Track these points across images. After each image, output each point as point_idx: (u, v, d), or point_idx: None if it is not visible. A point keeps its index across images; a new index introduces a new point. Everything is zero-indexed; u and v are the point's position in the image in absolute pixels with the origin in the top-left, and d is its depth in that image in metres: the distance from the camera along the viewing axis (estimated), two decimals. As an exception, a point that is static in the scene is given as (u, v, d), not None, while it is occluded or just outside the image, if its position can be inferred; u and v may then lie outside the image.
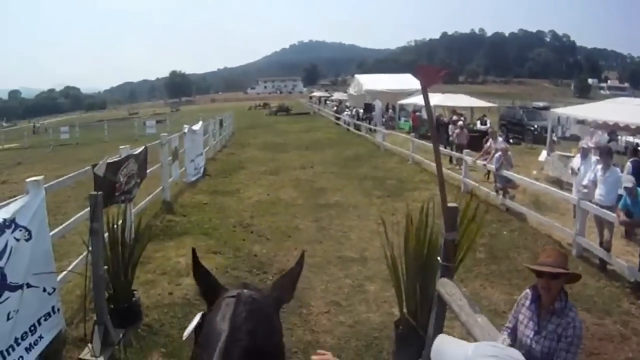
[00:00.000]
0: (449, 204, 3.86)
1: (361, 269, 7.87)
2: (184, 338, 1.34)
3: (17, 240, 4.37)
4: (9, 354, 4.34)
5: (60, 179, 6.00)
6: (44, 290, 4.96)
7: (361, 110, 36.40)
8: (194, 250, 1.49)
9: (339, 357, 5.26)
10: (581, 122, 17.41)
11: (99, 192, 5.02)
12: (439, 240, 4.03)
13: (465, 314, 3.34)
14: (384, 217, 9.18)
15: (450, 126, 20.98)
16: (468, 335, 3.33)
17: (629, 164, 10.68)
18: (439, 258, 4.06)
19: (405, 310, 5.06)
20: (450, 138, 19.84)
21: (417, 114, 28.58)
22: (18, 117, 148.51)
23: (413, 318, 4.91)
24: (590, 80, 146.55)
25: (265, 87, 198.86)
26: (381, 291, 6.82)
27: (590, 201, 8.59)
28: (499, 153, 11.98)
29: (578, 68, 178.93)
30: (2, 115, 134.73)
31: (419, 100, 28.91)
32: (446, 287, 3.80)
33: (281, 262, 8.03)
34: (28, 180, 4.91)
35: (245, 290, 1.30)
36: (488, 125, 22.95)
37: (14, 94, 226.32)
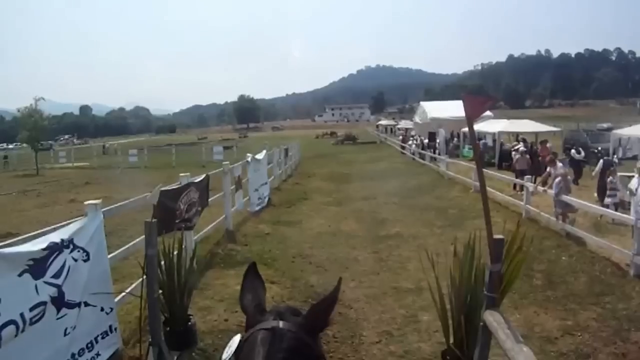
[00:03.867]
0: (495, 236, 3.81)
1: (416, 299, 7.79)
2: None
3: (75, 260, 4.57)
4: None
5: (119, 204, 6.23)
6: (102, 309, 5.15)
7: (426, 140, 36.13)
8: (254, 264, 1.54)
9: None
10: None
11: (154, 220, 5.19)
12: (485, 271, 3.97)
13: (511, 342, 3.26)
14: (443, 247, 9.16)
15: (512, 152, 20.60)
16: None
17: None
18: (484, 289, 4.01)
19: (452, 341, 4.98)
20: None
21: (482, 141, 28.11)
22: (89, 134, 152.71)
23: (459, 348, 4.83)
24: None
25: (332, 114, 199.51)
26: (434, 321, 6.65)
27: None
28: (559, 178, 11.82)
29: None
30: (73, 131, 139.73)
31: (483, 127, 28.58)
32: (494, 316, 3.74)
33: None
34: (87, 202, 5.14)
35: (280, 324, 1.30)
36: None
37: (85, 109, 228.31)
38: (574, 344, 6.21)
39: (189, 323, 6.06)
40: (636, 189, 10.11)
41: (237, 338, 1.37)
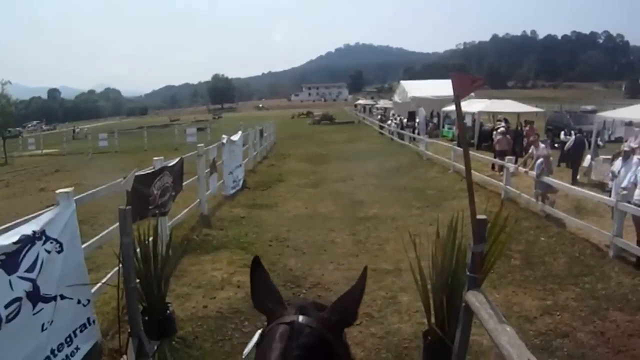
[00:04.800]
0: (478, 216, 3.79)
1: (395, 280, 7.82)
2: (243, 357, 1.27)
3: (48, 252, 4.43)
4: None
5: (91, 192, 6.06)
6: (79, 302, 5.04)
7: (405, 119, 36.00)
8: (257, 258, 1.47)
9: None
10: (628, 124, 16.95)
11: (128, 207, 5.06)
12: (468, 252, 3.95)
13: (494, 322, 3.24)
14: (421, 228, 9.18)
15: (493, 132, 20.65)
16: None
17: None
18: (466, 270, 4.00)
19: (433, 321, 4.98)
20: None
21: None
22: (57, 119, 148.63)
23: (441, 329, 4.83)
24: None
25: (309, 93, 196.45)
26: (414, 301, 6.68)
27: (629, 202, 8.50)
28: (541, 160, 11.88)
29: (630, 69, 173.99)
30: (41, 116, 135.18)
31: (463, 107, 28.51)
32: (477, 296, 3.73)
33: (315, 276, 8.00)
34: (58, 191, 4.98)
35: (301, 318, 1.23)
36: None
37: (53, 93, 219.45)
38: (552, 323, 6.26)
39: (168, 311, 5.96)
40: (618, 172, 10.26)
41: (257, 333, 1.29)
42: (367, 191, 15.41)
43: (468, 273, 3.93)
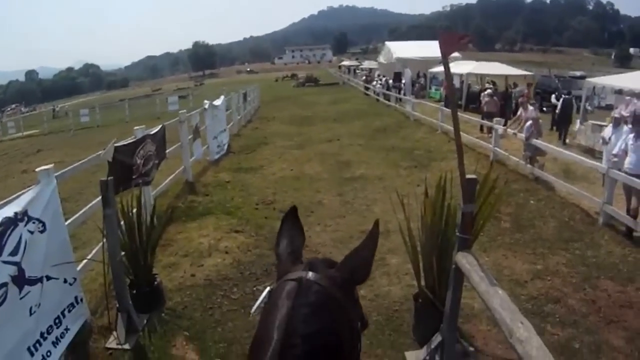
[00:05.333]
0: (468, 176, 3.74)
1: (383, 242, 7.69)
2: (251, 314, 1.26)
3: (31, 232, 4.29)
4: (36, 349, 4.33)
5: (72, 167, 5.89)
6: (65, 281, 4.93)
7: (391, 80, 35.43)
8: (294, 208, 1.44)
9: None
10: (618, 91, 16.93)
11: (109, 178, 4.94)
12: (457, 212, 3.90)
13: (486, 285, 3.21)
14: (409, 189, 9.12)
15: (481, 94, 20.49)
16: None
17: None
18: (456, 230, 3.96)
19: (423, 283, 4.95)
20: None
21: (449, 82, 27.78)
22: (37, 100, 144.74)
23: (431, 291, 4.82)
24: (632, 50, 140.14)
25: (293, 56, 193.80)
26: (403, 263, 6.67)
27: (619, 170, 8.38)
28: (530, 122, 11.78)
29: (620, 37, 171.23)
30: (20, 99, 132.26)
31: (451, 68, 28.29)
32: (467, 258, 3.69)
33: (303, 238, 7.92)
34: (38, 169, 4.82)
35: (310, 274, 1.18)
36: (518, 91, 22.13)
37: (30, 74, 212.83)
38: (544, 288, 6.24)
39: (155, 283, 5.93)
40: (609, 138, 10.19)
41: (266, 291, 1.27)
42: (353, 152, 15.33)
43: (458, 234, 3.92)
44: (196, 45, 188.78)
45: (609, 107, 20.25)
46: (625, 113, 11.48)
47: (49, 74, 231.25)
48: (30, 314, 4.27)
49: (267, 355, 1.03)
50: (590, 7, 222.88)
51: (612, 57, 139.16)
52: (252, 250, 7.61)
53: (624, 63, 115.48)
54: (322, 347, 1.08)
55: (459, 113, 13.50)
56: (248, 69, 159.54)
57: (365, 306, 5.81)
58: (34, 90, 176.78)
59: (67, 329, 4.87)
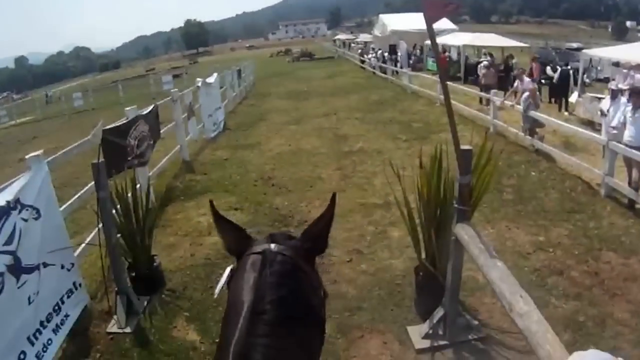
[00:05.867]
0: (463, 147, 3.67)
1: (385, 214, 7.72)
2: (215, 296, 1.29)
3: (25, 220, 4.22)
4: (36, 338, 4.29)
5: (62, 152, 5.77)
6: (63, 267, 4.89)
7: (386, 53, 34.96)
8: (211, 202, 1.37)
9: (360, 307, 5.11)
10: (616, 64, 16.77)
11: (101, 161, 4.85)
12: (455, 183, 3.83)
13: (485, 257, 3.15)
14: (409, 161, 9.03)
15: (478, 66, 20.27)
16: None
17: None
18: (454, 202, 3.89)
19: (423, 256, 4.88)
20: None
21: (446, 54, 27.36)
22: (28, 86, 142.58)
23: (432, 264, 4.74)
24: (628, 23, 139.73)
25: (287, 31, 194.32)
26: (405, 236, 6.53)
27: (619, 142, 8.29)
28: (527, 94, 11.65)
29: (617, 10, 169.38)
30: (10, 87, 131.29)
31: (448, 40, 28.01)
32: (466, 230, 3.64)
33: (303, 214, 7.92)
34: (27, 156, 4.73)
35: (272, 246, 1.19)
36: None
37: (20, 61, 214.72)
38: (547, 260, 6.17)
39: (154, 264, 5.88)
40: (607, 110, 10.08)
41: (227, 270, 1.26)
42: (351, 125, 15.19)
43: (456, 205, 3.89)
44: (188, 23, 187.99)
45: (607, 80, 20.17)
46: (622, 86, 11.38)
47: (40, 59, 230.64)
48: (29, 303, 4.22)
49: (238, 325, 1.02)
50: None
51: (610, 29, 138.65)
52: (252, 227, 7.54)
53: (621, 36, 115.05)
54: (292, 311, 1.08)
55: (458, 85, 13.41)
56: (248, 45, 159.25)
57: (367, 281, 5.82)
58: (25, 77, 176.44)
59: (66, 316, 4.83)
